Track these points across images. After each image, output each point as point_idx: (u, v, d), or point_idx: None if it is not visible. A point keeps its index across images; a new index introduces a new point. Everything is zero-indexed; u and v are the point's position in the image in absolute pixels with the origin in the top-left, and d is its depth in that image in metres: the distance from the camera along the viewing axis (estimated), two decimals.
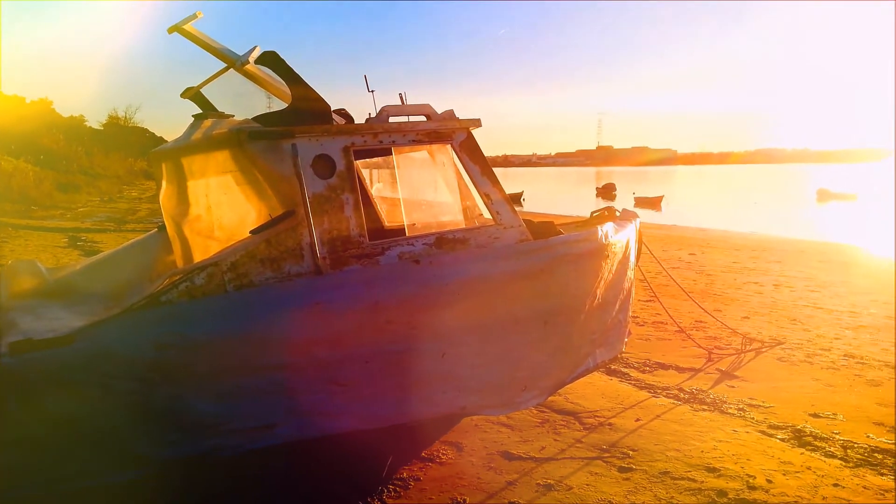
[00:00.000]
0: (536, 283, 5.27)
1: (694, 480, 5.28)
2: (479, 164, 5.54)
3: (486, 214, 5.63)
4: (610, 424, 6.46)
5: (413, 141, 5.41)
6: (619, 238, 6.25)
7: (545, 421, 6.53)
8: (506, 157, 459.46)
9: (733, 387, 7.71)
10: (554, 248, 5.40)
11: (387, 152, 6.12)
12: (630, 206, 51.09)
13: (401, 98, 6.04)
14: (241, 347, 4.25)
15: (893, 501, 5.04)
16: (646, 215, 43.17)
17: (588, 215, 7.73)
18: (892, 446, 5.94)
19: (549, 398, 6.58)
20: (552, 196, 73.60)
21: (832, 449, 5.91)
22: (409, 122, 5.51)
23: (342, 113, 6.43)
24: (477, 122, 5.65)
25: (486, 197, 5.49)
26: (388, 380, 4.81)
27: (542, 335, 5.45)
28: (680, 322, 10.00)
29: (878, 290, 14.34)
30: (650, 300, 11.11)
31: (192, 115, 6.06)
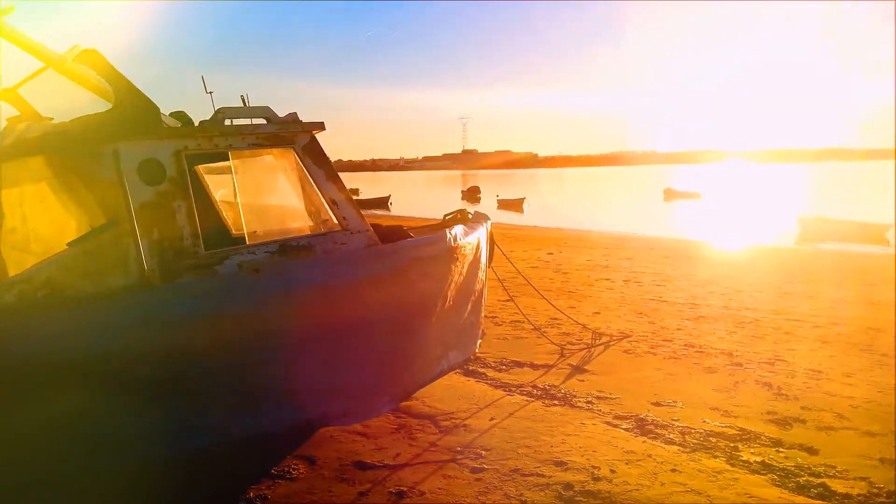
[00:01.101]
0: (384, 287, 5.21)
1: (542, 475, 5.41)
2: (323, 169, 5.41)
3: (333, 220, 5.50)
4: (465, 426, 6.50)
5: (252, 145, 5.19)
6: (470, 240, 6.31)
7: (401, 427, 6.48)
8: (374, 160, 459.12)
9: (583, 381, 8.01)
10: (402, 253, 5.36)
11: (223, 157, 5.85)
12: (493, 208, 52.55)
13: (243, 100, 5.79)
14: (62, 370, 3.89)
15: (725, 482, 5.41)
16: (509, 217, 44.70)
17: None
18: (726, 429, 6.37)
19: (406, 402, 6.55)
20: (419, 200, 74.24)
21: (671, 436, 6.25)
22: (249, 125, 5.29)
23: (180, 115, 6.08)
24: (320, 126, 5.51)
25: (331, 202, 5.37)
26: (229, 396, 4.57)
27: (393, 340, 5.39)
28: (535, 320, 10.29)
29: (716, 281, 15.49)
30: (509, 300, 11.39)
31: (6, 119, 5.53)
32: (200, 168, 6.95)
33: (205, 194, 6.99)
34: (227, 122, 5.10)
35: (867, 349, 9.44)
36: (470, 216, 7.41)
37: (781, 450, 5.81)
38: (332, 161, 5.57)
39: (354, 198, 5.59)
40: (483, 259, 6.82)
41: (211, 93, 5.92)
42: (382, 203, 56.81)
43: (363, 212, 5.63)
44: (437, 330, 5.86)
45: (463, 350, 6.46)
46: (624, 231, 32.60)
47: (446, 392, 7.43)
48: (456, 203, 63.11)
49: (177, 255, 4.51)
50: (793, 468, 5.47)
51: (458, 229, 6.13)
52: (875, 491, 5.09)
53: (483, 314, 7.00)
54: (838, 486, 5.16)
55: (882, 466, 5.43)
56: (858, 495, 5.05)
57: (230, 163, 5.63)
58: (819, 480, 5.26)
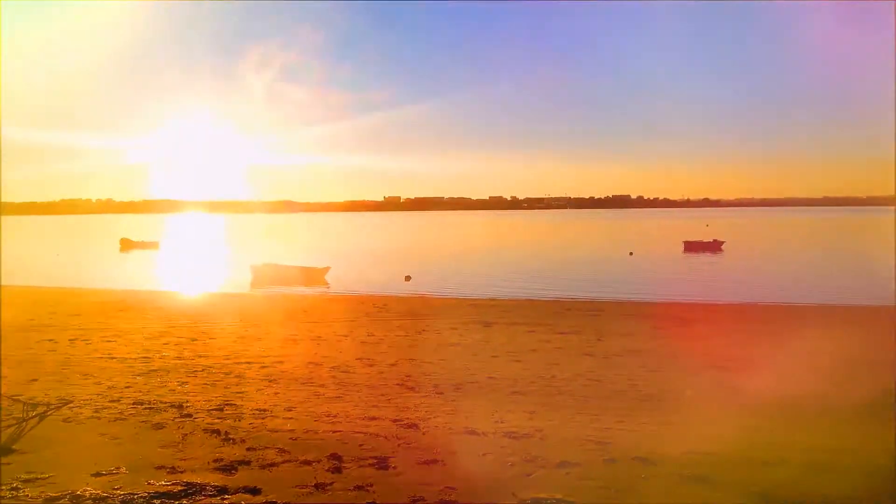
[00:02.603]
0: None
1: None
2: None
3: None
4: None
5: None
6: None
7: None
8: None
9: (10, 463, 6.73)
10: None
11: None
12: None
13: None
14: None
15: None
16: None
17: None
18: (171, 487, 6.06)
19: None
20: None
21: None
22: None
23: None
24: None
25: None
26: None
27: None
28: None
29: (171, 331, 15.19)
30: None
31: None
32: None
33: None
34: None
35: (307, 382, 10.40)
36: None
37: (227, 497, 5.79)
38: None
39: None
40: None
41: None
42: None
43: None
44: None
45: None
46: (74, 285, 29.73)
47: None
48: None
49: None
50: None
51: None
52: None
53: None
54: None
55: (316, 492, 5.88)
56: None
57: None
58: None
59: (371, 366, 11.88)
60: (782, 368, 11.75)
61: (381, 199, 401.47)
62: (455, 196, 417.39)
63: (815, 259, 47.15)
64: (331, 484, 5.89)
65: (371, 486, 5.82)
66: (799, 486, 5.93)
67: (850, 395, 9.40)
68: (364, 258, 51.74)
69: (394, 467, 6.34)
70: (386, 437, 7.36)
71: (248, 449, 6.95)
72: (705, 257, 48.77)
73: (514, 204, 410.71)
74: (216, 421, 8.01)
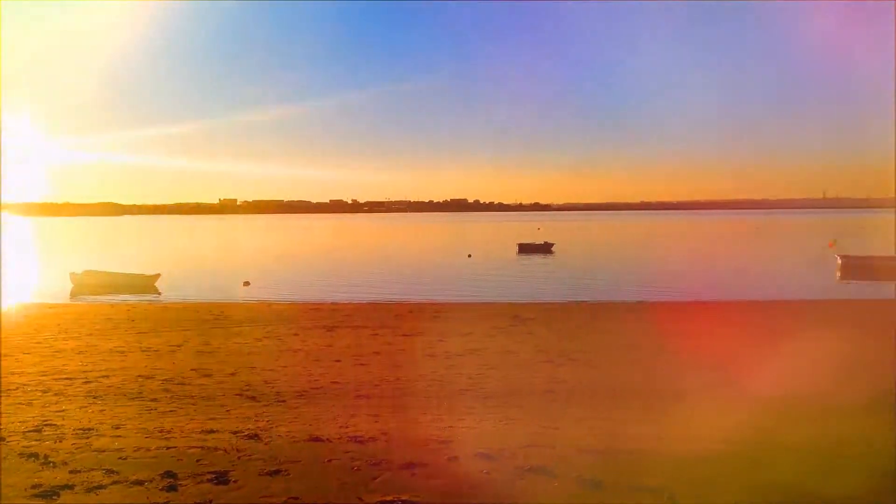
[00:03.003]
0: None
1: None
2: None
3: None
4: None
5: None
6: None
7: None
8: None
9: None
10: None
11: None
12: None
13: None
14: None
15: None
16: None
17: None
18: None
19: None
20: None
21: None
22: None
23: None
24: None
25: None
26: None
27: None
28: None
29: None
30: None
31: None
32: None
33: None
34: None
35: (137, 397, 9.76)
36: None
37: None
38: None
39: None
40: None
41: None
42: None
43: None
44: None
45: None
46: None
47: None
48: None
49: None
50: None
51: None
52: None
53: None
54: None
55: None
56: None
57: None
58: None
59: (208, 376, 11.36)
60: (607, 360, 12.66)
61: (215, 201, 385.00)
62: (295, 199, 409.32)
63: (630, 259, 51.22)
64: (166, 503, 5.59)
65: (210, 502, 5.58)
66: (612, 470, 6.42)
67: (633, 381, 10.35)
68: (199, 263, 49.34)
69: (234, 481, 6.11)
70: (225, 451, 7.08)
71: (70, 472, 6.39)
72: (538, 258, 51.35)
73: (355, 207, 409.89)
74: (33, 443, 7.29)
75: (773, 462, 6.64)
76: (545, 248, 57.99)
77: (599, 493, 5.89)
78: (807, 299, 25.43)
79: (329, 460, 6.77)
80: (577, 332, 16.62)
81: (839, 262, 38.14)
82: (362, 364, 12.54)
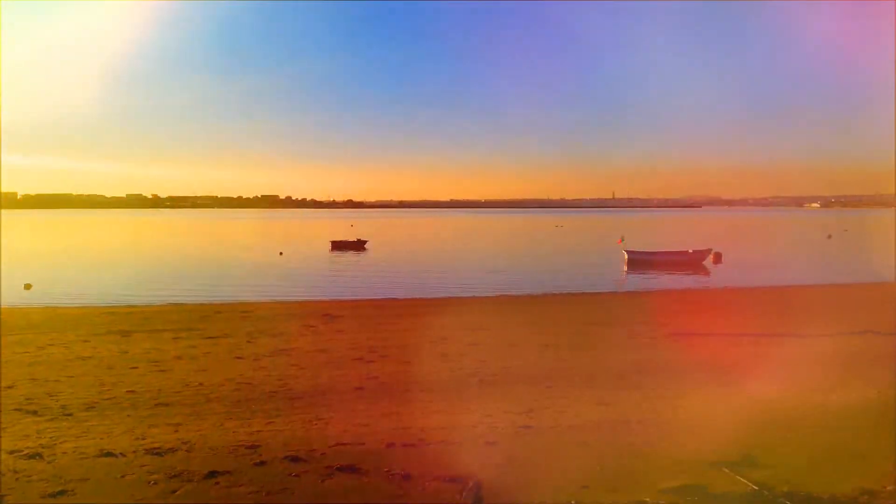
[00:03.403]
0: None
1: None
2: None
3: None
4: None
5: None
6: None
7: None
8: None
9: None
10: None
11: None
12: None
13: None
14: None
15: None
16: None
17: None
18: None
19: None
20: None
21: None
22: None
23: None
24: None
25: None
26: None
27: None
28: None
29: None
30: None
31: None
32: None
33: None
34: None
35: None
36: None
37: None
38: None
39: None
40: None
41: None
42: None
43: None
44: None
45: None
46: None
47: None
48: None
49: None
50: None
51: None
52: None
53: None
54: None
55: None
56: None
57: None
58: None
59: None
60: (416, 355, 12.97)
61: None
62: (85, 193, 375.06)
63: (443, 256, 52.80)
64: None
65: None
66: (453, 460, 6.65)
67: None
68: None
69: None
70: (1, 473, 6.37)
71: None
72: (351, 255, 51.28)
73: (156, 202, 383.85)
74: None
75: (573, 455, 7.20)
76: (358, 246, 58.03)
77: (408, 485, 6.06)
78: (589, 292, 27.79)
79: (123, 476, 6.34)
80: (389, 329, 16.84)
81: (626, 256, 41.98)
82: (162, 370, 11.79)
